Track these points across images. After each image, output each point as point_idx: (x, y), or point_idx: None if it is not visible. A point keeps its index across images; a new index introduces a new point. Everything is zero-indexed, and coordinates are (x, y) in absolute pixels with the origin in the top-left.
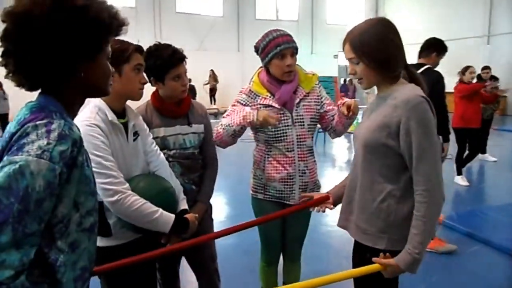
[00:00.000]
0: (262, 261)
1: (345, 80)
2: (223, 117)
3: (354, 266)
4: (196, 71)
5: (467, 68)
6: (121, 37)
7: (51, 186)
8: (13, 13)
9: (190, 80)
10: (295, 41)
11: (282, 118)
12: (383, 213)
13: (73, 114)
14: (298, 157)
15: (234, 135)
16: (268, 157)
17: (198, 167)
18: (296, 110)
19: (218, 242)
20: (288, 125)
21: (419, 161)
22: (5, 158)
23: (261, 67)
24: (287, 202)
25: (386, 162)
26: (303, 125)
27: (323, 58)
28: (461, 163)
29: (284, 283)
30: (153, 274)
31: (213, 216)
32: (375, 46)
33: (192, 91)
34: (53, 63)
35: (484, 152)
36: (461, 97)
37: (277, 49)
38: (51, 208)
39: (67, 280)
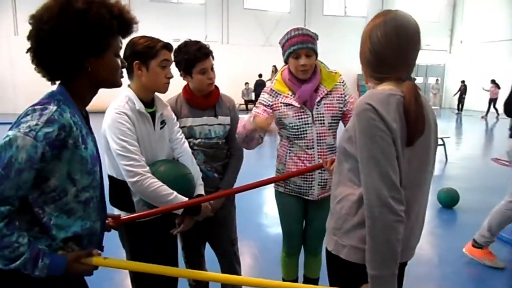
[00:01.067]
0: (283, 251)
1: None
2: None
3: None
4: (262, 67)
5: None
6: (191, 31)
7: (32, 160)
8: (33, 17)
9: (259, 75)
10: (312, 42)
11: (302, 117)
12: (336, 214)
13: (84, 103)
14: (318, 155)
15: (246, 142)
16: (289, 153)
17: (222, 156)
18: (317, 108)
19: (259, 233)
20: (308, 123)
21: (361, 172)
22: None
23: (285, 65)
24: (307, 198)
25: (348, 165)
26: (324, 123)
27: None
28: None
29: (304, 276)
30: (175, 251)
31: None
32: (372, 44)
33: (262, 86)
34: (61, 60)
35: None
36: None
37: (291, 49)
38: (31, 179)
39: (59, 238)
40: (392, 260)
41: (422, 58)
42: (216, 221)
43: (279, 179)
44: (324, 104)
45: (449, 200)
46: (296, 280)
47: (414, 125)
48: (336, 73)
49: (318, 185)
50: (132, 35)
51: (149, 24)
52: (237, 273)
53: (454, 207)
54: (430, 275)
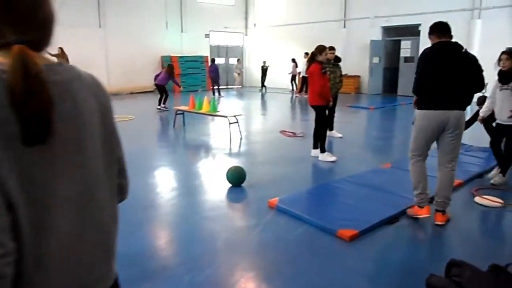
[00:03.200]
0: None
1: (213, 60)
2: None
3: None
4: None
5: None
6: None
7: None
8: None
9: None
10: None
11: None
12: None
13: None
14: None
15: None
16: None
17: None
18: None
19: None
20: None
21: None
22: None
23: None
24: None
25: None
26: None
27: (194, 37)
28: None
29: None
30: None
31: None
32: None
33: None
34: None
35: (331, 129)
36: (321, 75)
37: None
38: None
39: None
40: None
41: (223, 40)
42: None
43: None
44: None
45: (236, 179)
46: None
47: (25, 111)
48: None
49: None
50: None
51: None
52: None
53: (242, 185)
54: (221, 255)
